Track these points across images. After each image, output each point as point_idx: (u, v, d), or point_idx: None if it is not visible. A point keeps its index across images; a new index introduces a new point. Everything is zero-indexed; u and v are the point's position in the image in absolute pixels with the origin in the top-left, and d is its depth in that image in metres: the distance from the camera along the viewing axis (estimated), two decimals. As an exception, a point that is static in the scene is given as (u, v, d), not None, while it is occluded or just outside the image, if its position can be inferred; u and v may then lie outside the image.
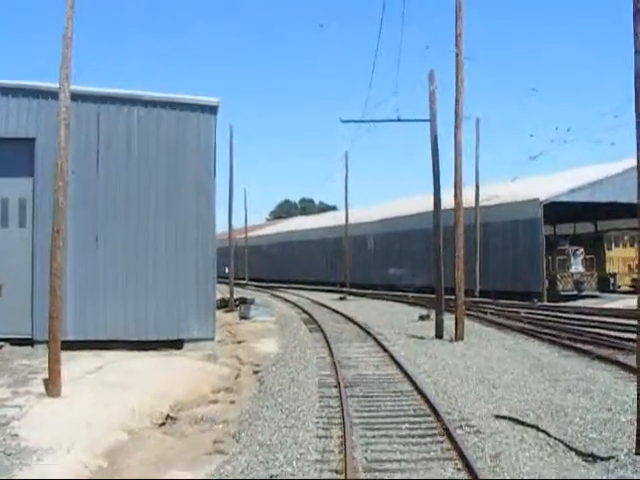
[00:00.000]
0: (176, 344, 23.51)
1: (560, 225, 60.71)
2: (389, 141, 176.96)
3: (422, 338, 25.82)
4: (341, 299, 50.37)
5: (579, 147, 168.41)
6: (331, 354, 20.90)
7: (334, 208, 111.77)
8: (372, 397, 14.85)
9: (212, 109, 23.85)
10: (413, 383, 15.85)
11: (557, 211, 47.51)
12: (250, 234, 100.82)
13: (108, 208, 23.24)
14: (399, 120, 26.76)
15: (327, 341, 23.99)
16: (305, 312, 37.70)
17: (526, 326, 29.14)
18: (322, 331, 27.32)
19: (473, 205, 50.34)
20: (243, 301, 47.09)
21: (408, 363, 19.26)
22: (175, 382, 18.28)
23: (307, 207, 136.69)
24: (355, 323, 30.45)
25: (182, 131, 23.70)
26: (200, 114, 23.79)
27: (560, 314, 34.34)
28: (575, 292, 46.01)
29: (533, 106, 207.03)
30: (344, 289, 61.37)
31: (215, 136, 24.29)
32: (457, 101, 24.64)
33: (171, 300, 23.25)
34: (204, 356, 22.83)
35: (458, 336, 24.60)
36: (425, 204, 59.51)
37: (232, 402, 17.20)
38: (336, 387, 15.85)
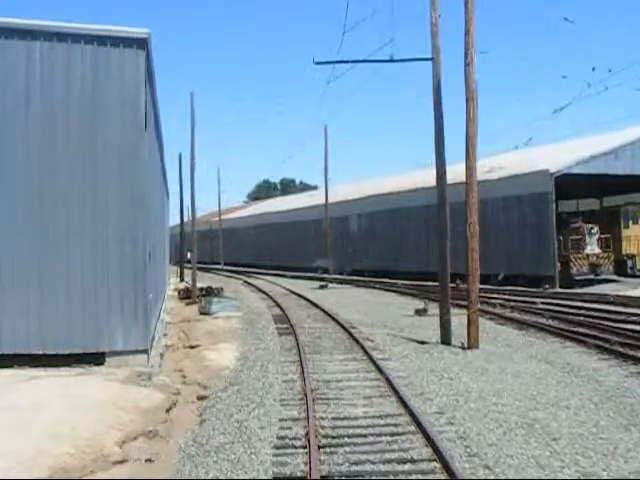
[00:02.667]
0: (97, 358, 17.48)
1: (562, 202, 54.57)
2: (377, 102, 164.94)
3: (423, 343, 19.85)
4: (321, 288, 44.19)
5: (621, 94, 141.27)
6: (302, 376, 14.82)
7: (316, 188, 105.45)
8: (364, 474, 8.78)
9: (140, 43, 17.64)
10: (429, 439, 9.79)
11: (562, 185, 41.40)
12: (225, 216, 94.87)
13: (3, 175, 17.11)
14: (392, 61, 20.53)
15: (299, 351, 17.91)
16: (278, 305, 31.54)
17: (552, 323, 23.28)
18: (294, 334, 21.25)
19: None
20: (209, 291, 41.08)
21: (413, 392, 13.24)
22: (68, 426, 12.22)
23: (288, 187, 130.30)
24: (337, 322, 24.37)
25: (101, 72, 17.51)
26: (124, 49, 17.57)
27: (586, 304, 28.43)
28: (591, 276, 40.12)
29: (564, 45, 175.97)
30: (326, 276, 55.41)
31: (147, 79, 18.21)
32: (467, 32, 18.57)
33: (87, 299, 17.17)
34: (132, 375, 16.79)
35: (472, 342, 18.65)
36: (416, 181, 53.70)
37: (149, 461, 11.27)
38: (304, 449, 9.79)
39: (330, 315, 26.36)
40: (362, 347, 18.22)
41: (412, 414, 11.20)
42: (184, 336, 25.63)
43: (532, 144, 36.80)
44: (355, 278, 53.57)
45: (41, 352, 16.98)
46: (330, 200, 59.17)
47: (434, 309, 27.85)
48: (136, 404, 14.43)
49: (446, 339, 19.69)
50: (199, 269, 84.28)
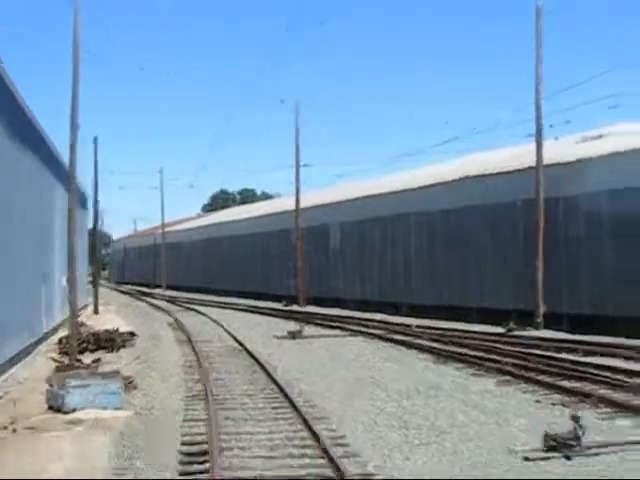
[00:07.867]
0: None
1: None
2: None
3: None
4: (293, 336, 26.99)
5: None
6: None
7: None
8: None
9: None
10: None
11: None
12: (171, 229, 78.59)
13: None
14: None
15: None
16: (206, 393, 15.11)
17: None
18: None
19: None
20: (109, 342, 24.78)
21: None
22: None
23: (248, 198, 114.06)
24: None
25: None
26: None
27: None
28: None
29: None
30: (299, 310, 39.34)
31: None
32: None
33: None
34: None
35: None
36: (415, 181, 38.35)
37: None
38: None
39: (327, 452, 10.10)
40: None
41: None
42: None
43: None
44: (338, 314, 37.32)
45: None
46: (303, 205, 43.48)
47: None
48: None
49: None
50: (135, 294, 68.04)
